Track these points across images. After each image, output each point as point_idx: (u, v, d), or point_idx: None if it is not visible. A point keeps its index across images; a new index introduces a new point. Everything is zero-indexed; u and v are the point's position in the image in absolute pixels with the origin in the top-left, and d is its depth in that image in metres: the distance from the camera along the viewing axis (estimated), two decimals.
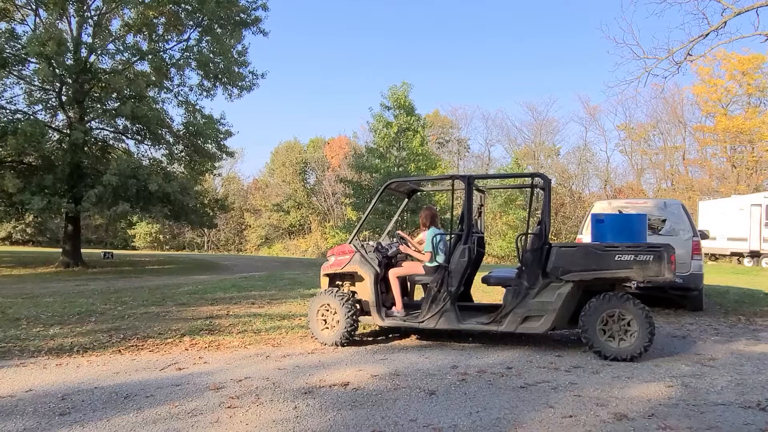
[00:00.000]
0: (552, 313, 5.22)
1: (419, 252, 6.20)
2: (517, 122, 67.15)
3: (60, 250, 21.81)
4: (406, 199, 7.44)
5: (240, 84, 21.00)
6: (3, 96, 17.65)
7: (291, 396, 4.04)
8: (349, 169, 39.14)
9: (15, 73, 17.42)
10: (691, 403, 3.83)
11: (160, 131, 19.97)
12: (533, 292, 5.31)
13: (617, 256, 5.15)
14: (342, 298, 5.83)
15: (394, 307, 6.00)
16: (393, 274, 6.04)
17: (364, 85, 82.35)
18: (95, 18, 18.70)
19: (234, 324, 7.04)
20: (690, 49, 10.69)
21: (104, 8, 18.77)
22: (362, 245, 6.07)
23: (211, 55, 20.00)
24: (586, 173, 44.61)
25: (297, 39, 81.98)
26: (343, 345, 5.77)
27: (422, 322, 5.64)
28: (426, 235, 6.03)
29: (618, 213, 7.14)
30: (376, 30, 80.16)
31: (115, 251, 30.42)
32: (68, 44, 17.17)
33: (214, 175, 28.72)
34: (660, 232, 8.35)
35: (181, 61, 19.90)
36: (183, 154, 21.76)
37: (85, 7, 18.19)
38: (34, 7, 17.68)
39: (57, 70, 16.82)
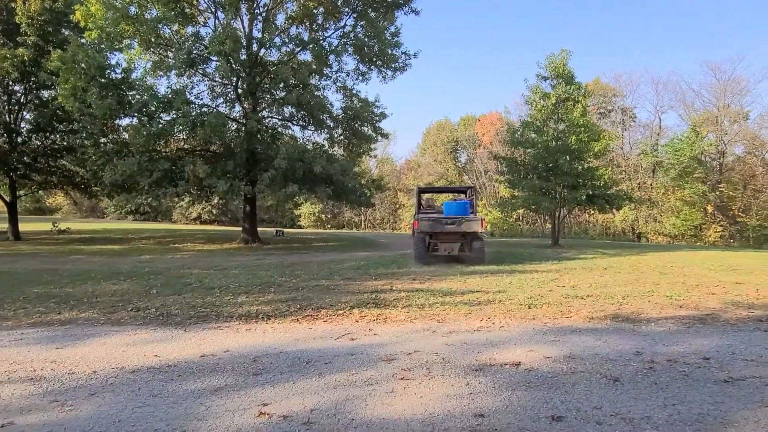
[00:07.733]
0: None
1: None
2: (695, 84, 59.34)
3: (240, 228, 24.42)
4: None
5: (393, 65, 21.45)
6: (192, 92, 20.11)
7: (462, 372, 3.98)
8: (501, 145, 38.01)
9: (200, 71, 19.70)
10: None
11: (321, 116, 21.22)
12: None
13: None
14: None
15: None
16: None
17: (515, 59, 79.30)
18: (263, 14, 20.31)
19: (398, 298, 7.22)
20: None
21: (270, 4, 20.30)
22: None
23: (366, 39, 20.62)
24: None
25: (446, 17, 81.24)
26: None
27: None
28: None
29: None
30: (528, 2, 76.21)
31: (284, 229, 33.29)
32: (242, 41, 18.94)
33: (370, 156, 29.84)
34: None
35: (339, 47, 20.85)
36: (342, 137, 22.93)
37: (255, 5, 19.85)
38: (213, 9, 19.74)
39: (234, 66, 18.63)
